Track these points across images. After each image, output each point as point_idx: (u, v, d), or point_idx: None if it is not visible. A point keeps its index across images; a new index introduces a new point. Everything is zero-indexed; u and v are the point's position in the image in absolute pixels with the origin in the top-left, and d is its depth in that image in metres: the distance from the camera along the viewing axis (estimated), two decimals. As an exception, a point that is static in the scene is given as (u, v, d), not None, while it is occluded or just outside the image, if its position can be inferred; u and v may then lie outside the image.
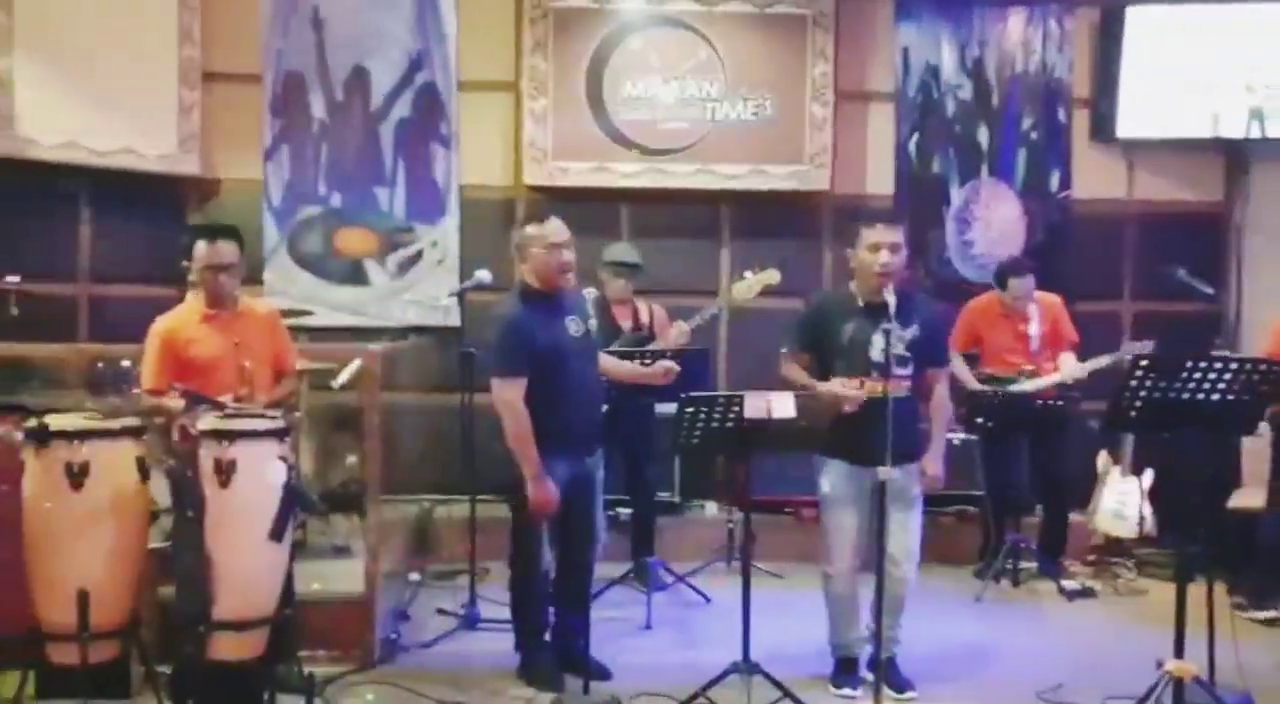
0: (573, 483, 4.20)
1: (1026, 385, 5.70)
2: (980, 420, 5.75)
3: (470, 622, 4.90)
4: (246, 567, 3.61)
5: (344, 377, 5.00)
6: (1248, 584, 5.26)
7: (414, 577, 5.43)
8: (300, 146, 6.52)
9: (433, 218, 6.59)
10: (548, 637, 4.38)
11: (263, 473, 3.59)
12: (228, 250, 4.04)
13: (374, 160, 6.56)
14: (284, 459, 3.64)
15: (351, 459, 5.44)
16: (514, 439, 4.06)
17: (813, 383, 4.09)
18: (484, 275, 5.22)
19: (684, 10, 6.60)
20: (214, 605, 3.55)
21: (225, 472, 3.54)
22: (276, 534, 3.61)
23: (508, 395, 4.06)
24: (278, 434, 3.66)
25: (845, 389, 4.01)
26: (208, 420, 3.68)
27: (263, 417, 3.74)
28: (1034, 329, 5.81)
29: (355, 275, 6.58)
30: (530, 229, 4.21)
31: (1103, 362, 5.62)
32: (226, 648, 3.60)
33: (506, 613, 4.78)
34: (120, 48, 6.09)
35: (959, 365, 5.72)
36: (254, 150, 6.50)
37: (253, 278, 5.94)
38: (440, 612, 5.04)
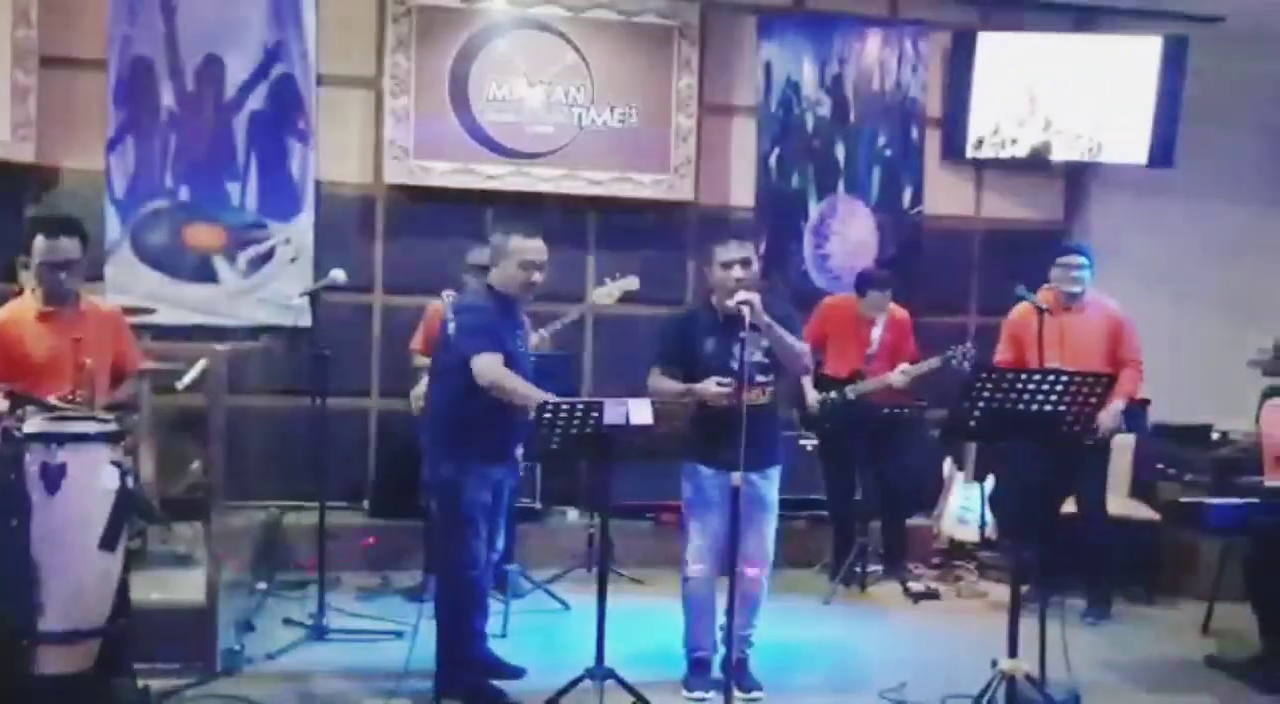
0: (497, 489, 4.24)
1: (858, 388, 5.86)
2: (825, 426, 5.95)
3: (318, 632, 4.77)
4: (75, 576, 3.48)
5: (189, 377, 4.85)
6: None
7: (260, 586, 5.27)
8: (147, 137, 6.24)
9: (287, 214, 6.39)
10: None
11: (94, 478, 3.46)
12: (69, 246, 3.86)
13: (225, 153, 6.32)
14: (117, 464, 3.51)
15: (196, 464, 5.24)
16: (522, 395, 3.95)
17: (684, 387, 4.16)
18: (338, 275, 5.08)
19: (550, 15, 6.57)
20: (40, 617, 3.42)
21: (53, 477, 3.40)
22: (108, 543, 3.47)
23: (496, 365, 4.01)
24: (111, 438, 3.53)
25: (718, 387, 4.07)
26: (35, 423, 3.51)
27: (94, 419, 3.58)
28: (876, 333, 5.95)
29: (203, 272, 6.33)
30: (515, 241, 4.18)
31: (927, 366, 5.79)
32: (54, 661, 3.48)
33: (356, 623, 4.73)
34: (-51, 25, 5.75)
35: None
36: (97, 139, 6.21)
37: (93, 273, 5.69)
38: (287, 622, 4.91)
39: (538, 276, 4.20)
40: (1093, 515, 5.52)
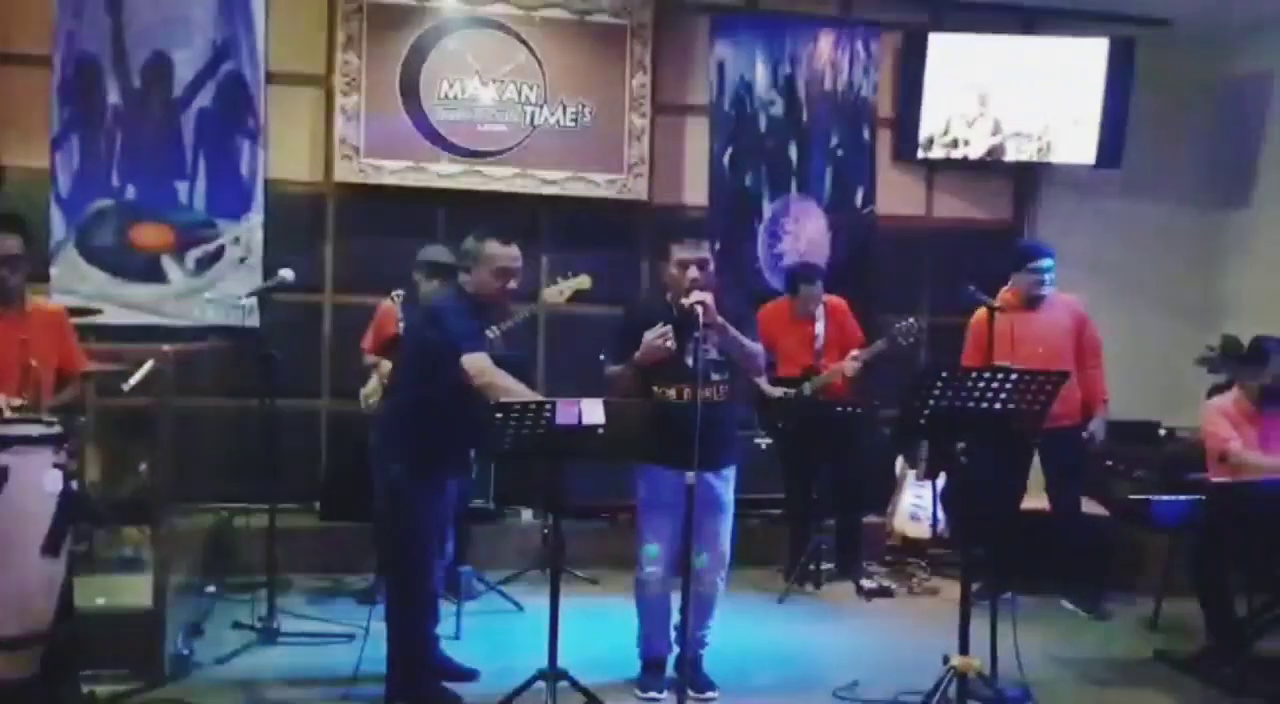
0: (448, 499, 4.22)
1: (814, 382, 5.89)
2: (779, 426, 5.98)
3: (268, 636, 4.72)
4: (18, 581, 3.41)
5: (135, 379, 4.74)
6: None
7: (210, 589, 5.19)
8: (92, 135, 6.14)
9: (236, 213, 6.32)
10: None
11: (37, 482, 3.39)
12: (9, 243, 3.83)
13: (173, 152, 6.24)
14: (61, 467, 3.43)
15: (143, 467, 5.15)
16: (515, 394, 3.87)
17: (631, 362, 4.13)
18: (286, 274, 5.02)
19: (502, 13, 6.55)
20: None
21: (-5, 479, 3.31)
22: (51, 547, 3.40)
23: (489, 363, 3.93)
24: (54, 440, 3.46)
25: (657, 335, 4.05)
26: (-25, 425, 3.44)
27: (37, 422, 3.51)
28: (819, 328, 6.02)
29: (151, 272, 6.24)
30: (491, 247, 4.09)
31: (875, 349, 5.83)
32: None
33: (307, 625, 4.66)
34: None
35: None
36: (41, 137, 6.10)
37: (39, 273, 5.59)
38: (237, 625, 4.83)
39: (513, 284, 4.14)
40: (1068, 513, 5.59)
